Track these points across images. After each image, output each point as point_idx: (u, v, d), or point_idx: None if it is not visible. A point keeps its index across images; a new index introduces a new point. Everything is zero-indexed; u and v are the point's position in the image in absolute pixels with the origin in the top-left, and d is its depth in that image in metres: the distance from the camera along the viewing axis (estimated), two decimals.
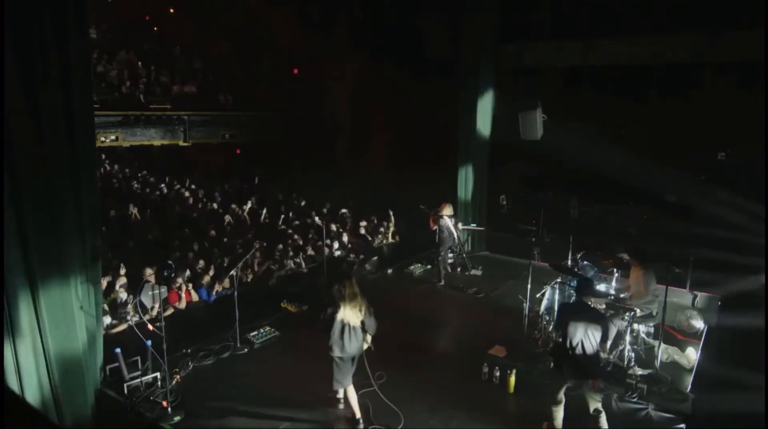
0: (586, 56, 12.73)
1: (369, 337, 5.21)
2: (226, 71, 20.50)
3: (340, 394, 5.46)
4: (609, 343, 5.67)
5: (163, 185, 15.73)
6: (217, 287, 8.22)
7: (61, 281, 5.03)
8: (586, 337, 4.69)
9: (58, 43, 4.81)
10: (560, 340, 4.87)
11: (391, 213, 12.25)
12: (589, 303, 4.91)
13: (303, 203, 14.80)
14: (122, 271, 8.10)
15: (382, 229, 12.23)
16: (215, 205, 13.80)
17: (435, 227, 9.36)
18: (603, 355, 4.94)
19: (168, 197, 14.62)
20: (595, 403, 4.77)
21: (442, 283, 9.39)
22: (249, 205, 13.29)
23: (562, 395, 4.88)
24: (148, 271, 7.84)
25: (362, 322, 5.06)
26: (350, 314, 4.98)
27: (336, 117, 18.32)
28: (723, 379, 5.68)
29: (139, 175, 17.69)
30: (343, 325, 4.99)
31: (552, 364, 4.96)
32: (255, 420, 5.28)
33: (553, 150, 13.00)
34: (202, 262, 9.02)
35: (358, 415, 5.19)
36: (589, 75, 12.70)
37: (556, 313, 5.10)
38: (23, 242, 4.72)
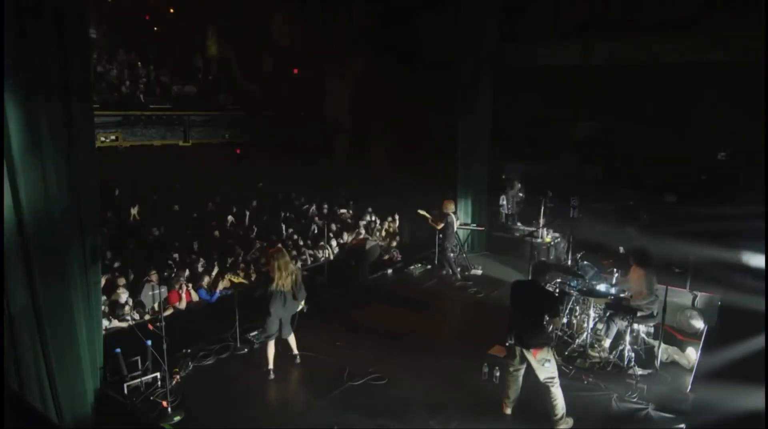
0: (586, 56, 12.73)
1: (302, 302, 6.18)
2: (226, 71, 20.47)
3: (271, 347, 6.10)
4: (558, 319, 5.87)
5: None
6: (220, 286, 8.23)
7: (61, 281, 5.03)
8: (532, 312, 5.08)
9: (58, 43, 4.81)
10: (510, 311, 5.31)
11: (396, 216, 12.28)
12: (542, 283, 5.25)
13: (302, 202, 14.79)
14: (122, 272, 8.11)
15: (378, 227, 12.23)
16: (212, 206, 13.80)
17: (441, 225, 9.43)
18: (550, 329, 5.36)
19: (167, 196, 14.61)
20: (543, 373, 5.02)
21: (458, 277, 9.54)
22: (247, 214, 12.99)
23: (518, 367, 5.19)
24: (149, 271, 7.86)
25: (293, 289, 5.95)
26: (284, 282, 5.86)
27: (336, 117, 18.32)
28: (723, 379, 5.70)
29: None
30: (279, 292, 5.87)
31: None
32: (255, 420, 5.28)
33: (554, 149, 13.03)
34: (202, 261, 9.03)
35: (295, 351, 6.33)
36: (590, 75, 12.69)
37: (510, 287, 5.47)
38: (23, 243, 4.72)
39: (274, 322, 6.02)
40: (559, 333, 6.78)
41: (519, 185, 11.70)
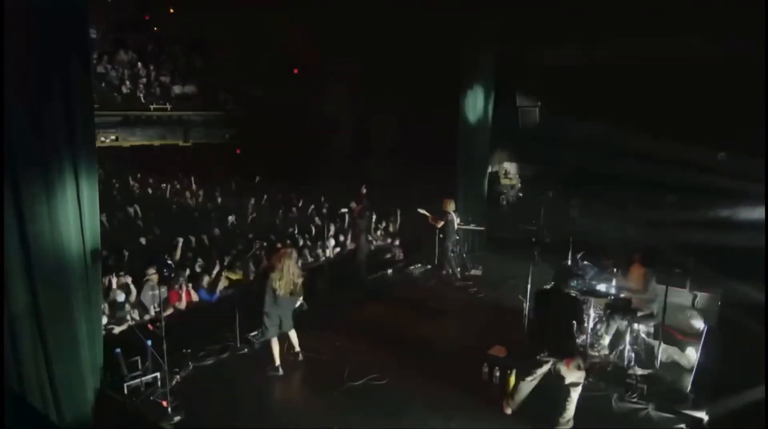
0: (586, 56, 12.73)
1: (300, 298, 6.48)
2: (226, 71, 20.48)
3: (274, 344, 6.17)
4: (584, 325, 5.81)
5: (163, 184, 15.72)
6: (220, 286, 8.22)
7: (62, 281, 5.02)
8: (561, 320, 5.00)
9: (57, 43, 4.80)
10: (537, 322, 5.24)
11: (397, 216, 12.29)
12: (565, 289, 5.16)
13: (302, 203, 14.78)
14: (122, 272, 8.09)
15: (378, 227, 12.22)
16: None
17: (441, 224, 9.45)
18: (577, 336, 5.25)
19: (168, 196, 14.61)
20: (571, 378, 4.99)
21: (458, 277, 9.59)
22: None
23: (537, 377, 5.11)
24: (150, 271, 7.86)
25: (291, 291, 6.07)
26: (279, 283, 5.94)
27: (336, 117, 18.31)
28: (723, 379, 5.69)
29: (138, 174, 17.68)
30: (272, 291, 5.96)
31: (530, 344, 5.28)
32: (255, 420, 5.28)
33: (554, 149, 13.02)
34: (200, 261, 9.02)
35: (297, 348, 6.44)
36: (590, 75, 12.69)
37: (533, 297, 5.37)
38: (23, 243, 4.72)
39: (273, 320, 6.06)
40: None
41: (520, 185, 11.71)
